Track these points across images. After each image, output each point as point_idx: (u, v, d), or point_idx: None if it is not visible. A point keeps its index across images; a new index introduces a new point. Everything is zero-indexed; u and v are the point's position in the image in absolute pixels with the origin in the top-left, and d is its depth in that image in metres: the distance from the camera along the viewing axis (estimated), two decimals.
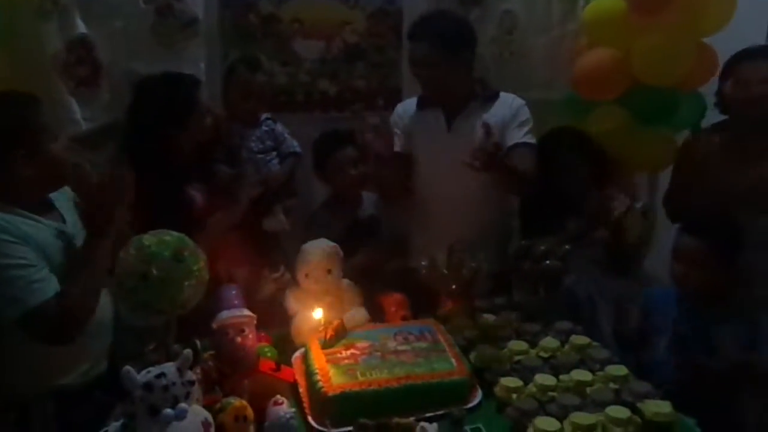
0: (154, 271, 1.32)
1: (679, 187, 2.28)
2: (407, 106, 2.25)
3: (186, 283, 1.36)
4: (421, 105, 2.20)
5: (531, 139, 2.10)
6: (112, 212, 1.47)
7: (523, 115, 2.12)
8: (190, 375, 1.22)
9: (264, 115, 2.40)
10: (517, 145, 2.07)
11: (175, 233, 1.41)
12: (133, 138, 1.98)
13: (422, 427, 1.32)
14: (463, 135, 2.06)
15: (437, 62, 2.01)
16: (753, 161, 2.09)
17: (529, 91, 2.43)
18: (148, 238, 1.37)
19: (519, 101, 2.15)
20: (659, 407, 1.39)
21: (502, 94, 2.17)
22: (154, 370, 1.18)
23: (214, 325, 1.50)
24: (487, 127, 1.85)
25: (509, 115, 2.11)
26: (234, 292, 1.60)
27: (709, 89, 2.31)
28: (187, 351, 1.23)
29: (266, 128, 2.39)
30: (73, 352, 1.52)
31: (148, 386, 1.16)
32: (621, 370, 1.54)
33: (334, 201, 2.38)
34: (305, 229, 2.24)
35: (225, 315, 1.51)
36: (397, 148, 2.21)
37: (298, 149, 2.47)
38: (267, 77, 2.42)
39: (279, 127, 2.44)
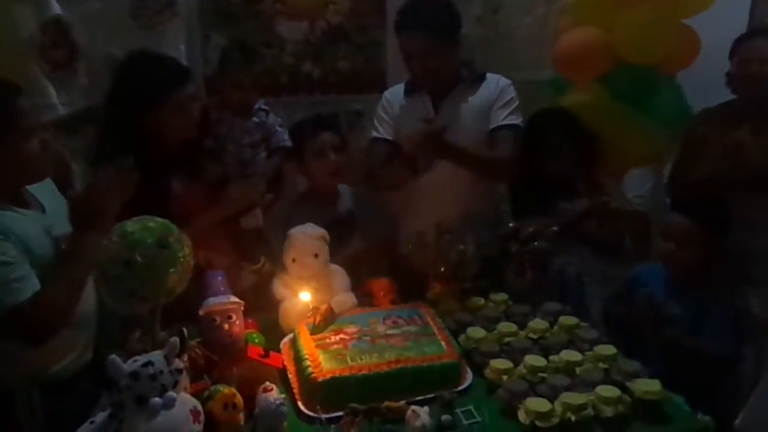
0: (138, 258, 1.29)
1: (683, 168, 2.29)
2: (395, 92, 2.22)
3: (171, 270, 1.33)
4: (408, 91, 2.17)
5: (515, 120, 2.07)
6: (105, 213, 1.40)
7: (508, 95, 2.09)
8: (178, 363, 1.20)
9: (257, 105, 2.30)
10: (498, 128, 2.05)
11: (159, 219, 1.38)
12: (115, 124, 1.90)
13: (413, 411, 1.32)
14: (450, 118, 2.04)
15: (431, 53, 1.98)
16: (753, 139, 2.12)
17: (517, 72, 2.41)
18: (131, 225, 1.34)
19: (505, 81, 2.13)
20: (648, 386, 1.40)
21: (488, 75, 2.14)
22: (141, 359, 1.16)
23: (201, 312, 1.48)
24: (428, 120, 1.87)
25: (494, 95, 2.08)
26: (220, 278, 1.58)
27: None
28: (174, 339, 1.20)
29: (257, 120, 2.28)
30: (59, 342, 1.48)
31: (134, 375, 1.13)
32: (610, 349, 1.55)
33: (310, 195, 2.29)
34: (283, 225, 2.16)
35: (212, 301, 1.49)
36: (386, 136, 2.16)
37: (288, 143, 2.36)
38: (262, 65, 2.34)
39: (271, 119, 2.31)
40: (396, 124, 2.16)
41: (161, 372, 1.16)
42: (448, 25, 2.02)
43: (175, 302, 1.45)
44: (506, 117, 2.06)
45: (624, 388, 1.40)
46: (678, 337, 1.76)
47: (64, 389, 1.53)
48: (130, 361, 1.16)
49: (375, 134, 2.19)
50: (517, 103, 2.10)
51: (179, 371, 1.20)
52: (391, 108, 2.19)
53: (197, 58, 2.40)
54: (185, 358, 1.37)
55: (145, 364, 1.15)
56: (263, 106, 2.32)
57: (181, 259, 1.36)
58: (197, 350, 1.44)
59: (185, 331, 1.38)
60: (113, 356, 1.14)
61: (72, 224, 1.43)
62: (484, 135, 2.07)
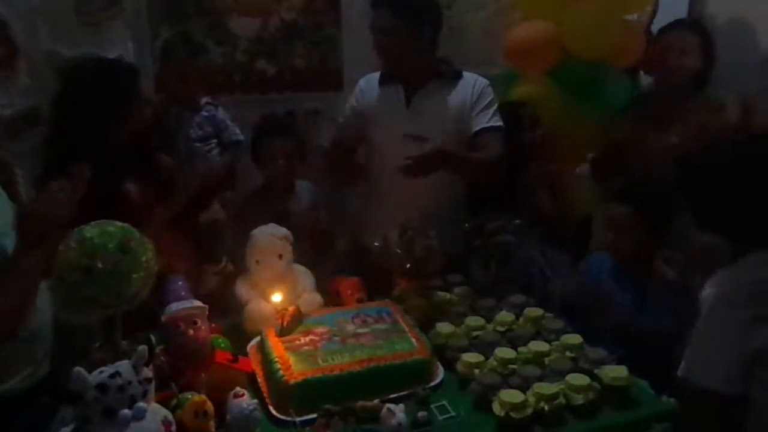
0: (99, 265, 1.23)
1: (605, 150, 2.38)
2: (370, 81, 2.20)
3: (134, 276, 1.28)
4: (382, 80, 2.15)
5: (498, 122, 2.07)
6: (51, 228, 1.33)
7: (487, 96, 2.08)
8: (147, 372, 1.16)
9: (205, 99, 2.26)
10: (483, 130, 2.04)
11: (118, 223, 1.32)
12: (64, 131, 1.79)
13: (389, 409, 1.31)
14: (421, 112, 2.03)
15: (399, 32, 1.96)
16: (667, 127, 2.20)
17: (469, 66, 2.43)
18: (90, 230, 1.28)
19: (482, 81, 2.11)
20: (616, 372, 1.43)
21: (465, 74, 2.12)
22: (108, 370, 1.11)
23: (164, 319, 1.42)
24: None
25: (473, 97, 2.07)
26: (180, 283, 1.53)
27: None
28: (143, 347, 1.16)
29: (206, 114, 2.24)
30: (14, 356, 1.41)
31: (102, 387, 1.09)
32: (576, 338, 1.58)
33: (264, 190, 2.27)
34: (234, 218, 2.13)
35: (175, 307, 1.43)
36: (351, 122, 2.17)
37: (240, 137, 2.33)
38: (207, 57, 2.29)
39: (220, 113, 2.30)
40: (366, 110, 2.15)
41: (130, 382, 1.11)
42: (419, 9, 1.99)
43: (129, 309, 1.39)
44: (490, 119, 2.05)
45: (592, 376, 1.43)
46: (626, 323, 1.81)
47: (19, 405, 1.44)
48: (95, 373, 1.11)
49: (342, 120, 2.20)
50: (496, 104, 2.09)
51: (148, 381, 1.15)
52: (363, 97, 2.18)
53: (147, 57, 2.32)
54: (150, 366, 1.32)
55: (113, 375, 1.10)
56: (210, 101, 2.30)
57: (145, 264, 1.30)
58: (162, 358, 1.39)
59: (153, 338, 1.32)
60: (78, 368, 1.09)
61: (19, 237, 1.35)
62: (460, 134, 2.06)
